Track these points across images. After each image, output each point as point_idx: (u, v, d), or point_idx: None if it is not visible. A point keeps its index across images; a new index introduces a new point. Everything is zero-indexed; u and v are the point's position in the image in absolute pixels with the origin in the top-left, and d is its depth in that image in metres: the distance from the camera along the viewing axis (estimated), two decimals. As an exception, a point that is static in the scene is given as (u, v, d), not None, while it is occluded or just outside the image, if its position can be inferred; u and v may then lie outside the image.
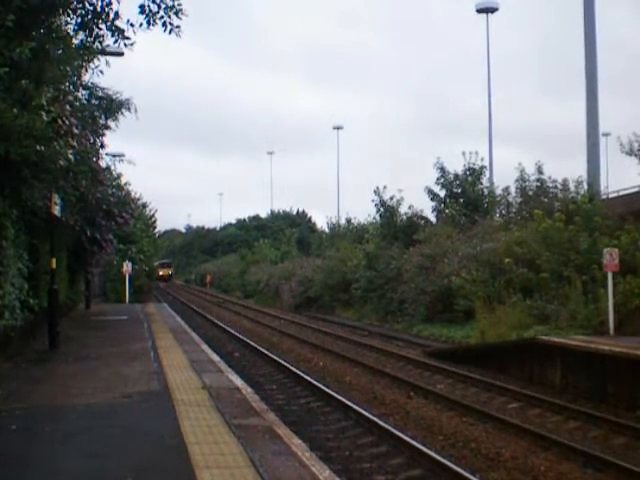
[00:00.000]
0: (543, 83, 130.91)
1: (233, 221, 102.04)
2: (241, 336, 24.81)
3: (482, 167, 32.20)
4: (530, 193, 26.39)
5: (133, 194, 36.47)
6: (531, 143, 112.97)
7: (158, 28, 11.40)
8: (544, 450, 9.75)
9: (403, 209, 33.71)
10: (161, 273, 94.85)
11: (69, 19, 11.72)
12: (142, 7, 11.30)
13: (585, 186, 24.23)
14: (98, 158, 20.50)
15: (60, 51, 11.84)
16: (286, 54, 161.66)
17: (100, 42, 11.77)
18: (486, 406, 12.71)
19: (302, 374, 15.90)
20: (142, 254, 43.26)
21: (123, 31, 11.47)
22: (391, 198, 33.84)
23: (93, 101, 19.25)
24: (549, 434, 10.37)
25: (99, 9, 11.34)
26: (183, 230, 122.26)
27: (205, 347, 16.51)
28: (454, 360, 17.88)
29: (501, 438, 10.46)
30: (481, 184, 31.92)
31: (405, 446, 9.77)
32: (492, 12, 39.18)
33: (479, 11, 39.10)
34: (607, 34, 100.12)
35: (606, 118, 65.69)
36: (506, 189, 28.51)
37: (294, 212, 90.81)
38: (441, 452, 9.61)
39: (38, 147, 10.91)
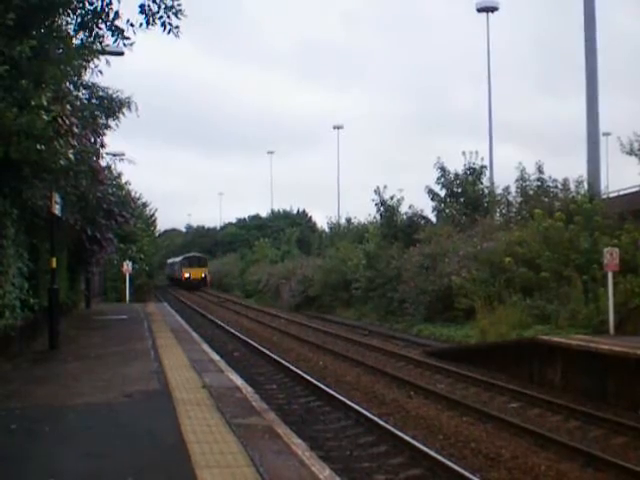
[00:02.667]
0: (543, 81, 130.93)
1: (233, 220, 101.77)
2: (241, 335, 24.83)
3: (482, 167, 32.21)
4: (530, 193, 26.38)
5: (133, 193, 36.65)
6: (531, 141, 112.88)
7: (157, 28, 11.44)
8: (544, 450, 9.75)
9: (403, 209, 33.73)
10: (187, 275, 66.99)
11: (69, 19, 11.75)
12: (142, 7, 11.34)
13: (585, 186, 24.22)
14: (98, 157, 20.49)
15: (60, 51, 11.86)
16: (284, 53, 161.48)
17: (100, 42, 11.79)
18: (486, 406, 12.71)
19: (302, 373, 15.90)
20: (142, 253, 43.35)
21: (123, 31, 11.51)
22: (391, 198, 33.81)
23: (93, 100, 19.24)
24: (549, 434, 10.38)
25: (99, 9, 11.36)
26: (183, 230, 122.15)
27: (205, 346, 16.49)
28: (454, 360, 17.88)
29: (501, 438, 10.47)
30: (481, 184, 31.91)
31: (405, 446, 9.77)
32: (492, 11, 39.13)
33: (479, 10, 39.04)
34: (607, 29, 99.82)
35: (607, 116, 65.61)
36: (506, 189, 28.47)
37: (294, 211, 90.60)
38: (441, 451, 9.61)
39: (38, 147, 10.91)
